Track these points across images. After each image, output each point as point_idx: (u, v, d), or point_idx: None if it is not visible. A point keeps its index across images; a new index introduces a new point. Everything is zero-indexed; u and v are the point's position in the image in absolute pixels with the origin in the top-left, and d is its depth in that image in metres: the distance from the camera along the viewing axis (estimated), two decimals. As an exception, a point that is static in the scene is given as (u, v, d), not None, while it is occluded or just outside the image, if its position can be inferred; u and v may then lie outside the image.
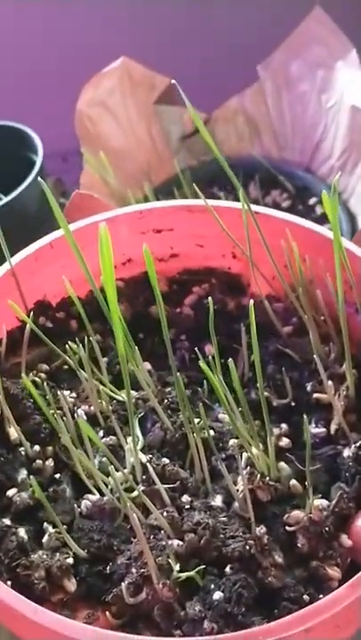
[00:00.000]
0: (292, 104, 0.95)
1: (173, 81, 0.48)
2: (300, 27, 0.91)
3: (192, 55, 1.07)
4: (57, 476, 0.50)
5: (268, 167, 0.93)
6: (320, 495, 0.47)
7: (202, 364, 0.45)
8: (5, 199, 0.80)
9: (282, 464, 0.50)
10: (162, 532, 0.44)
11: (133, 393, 0.54)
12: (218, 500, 0.48)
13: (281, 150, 0.96)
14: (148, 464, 0.48)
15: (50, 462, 0.50)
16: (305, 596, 0.42)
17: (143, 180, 0.92)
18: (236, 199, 0.61)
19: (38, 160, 0.86)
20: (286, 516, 0.46)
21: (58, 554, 0.44)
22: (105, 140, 0.91)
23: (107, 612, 0.43)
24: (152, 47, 1.02)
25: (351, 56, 0.87)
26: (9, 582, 0.43)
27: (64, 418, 0.49)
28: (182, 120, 0.97)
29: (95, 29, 1.09)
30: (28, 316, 0.55)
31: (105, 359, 0.56)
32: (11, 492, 0.48)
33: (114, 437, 0.51)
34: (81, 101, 0.89)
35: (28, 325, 0.54)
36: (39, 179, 0.45)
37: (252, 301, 0.45)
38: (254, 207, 0.57)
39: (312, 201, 0.90)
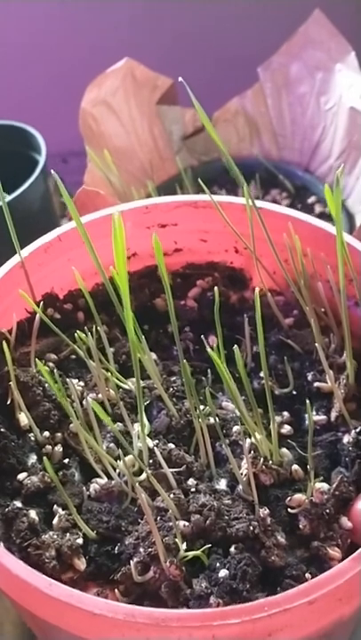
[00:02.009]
0: (292, 105, 0.97)
1: (181, 78, 0.49)
2: (300, 29, 0.93)
3: (193, 56, 1.08)
4: (66, 460, 0.51)
5: (268, 167, 0.95)
6: (321, 479, 0.49)
7: (209, 350, 0.47)
8: (9, 197, 0.82)
9: (284, 450, 0.51)
10: (168, 513, 0.46)
11: (140, 381, 0.55)
12: (222, 484, 0.49)
13: (281, 150, 0.98)
14: (155, 448, 0.49)
15: (59, 448, 0.52)
16: (307, 575, 0.44)
17: (145, 178, 0.94)
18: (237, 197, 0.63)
19: (42, 159, 0.88)
20: (288, 498, 0.48)
21: (68, 534, 0.46)
22: (108, 139, 0.93)
23: (115, 590, 0.44)
24: (153, 48, 1.04)
25: (350, 58, 0.89)
26: (20, 561, 0.44)
27: (73, 404, 0.51)
28: (183, 120, 0.99)
29: (98, 30, 1.11)
30: (38, 306, 0.57)
31: (111, 349, 0.57)
32: (21, 476, 0.49)
33: (121, 424, 0.53)
34: (85, 100, 0.91)
35: (37, 315, 0.55)
36: (52, 172, 0.47)
37: (257, 289, 0.47)
38: (257, 202, 0.59)
39: (311, 200, 0.92)
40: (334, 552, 0.45)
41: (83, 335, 0.53)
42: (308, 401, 0.48)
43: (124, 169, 0.92)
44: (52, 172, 0.47)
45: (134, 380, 0.50)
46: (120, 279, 0.41)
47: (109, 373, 0.55)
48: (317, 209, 0.90)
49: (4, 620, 0.64)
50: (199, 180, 0.57)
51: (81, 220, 0.60)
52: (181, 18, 1.10)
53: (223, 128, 0.99)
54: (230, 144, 0.99)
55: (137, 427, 0.51)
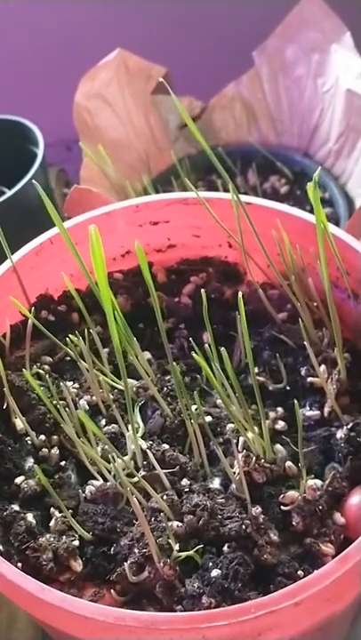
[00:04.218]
0: (289, 89, 0.95)
1: (163, 80, 0.49)
2: (294, 10, 0.91)
3: (189, 43, 1.07)
4: (62, 463, 0.52)
5: (265, 153, 0.94)
6: (313, 475, 0.49)
7: (195, 355, 0.47)
8: (9, 192, 0.82)
9: (278, 446, 0.52)
10: (162, 514, 0.47)
11: (134, 382, 0.56)
12: (216, 483, 0.50)
13: (279, 135, 0.97)
14: (148, 450, 0.50)
15: (55, 450, 0.52)
16: (299, 572, 0.44)
17: (142, 169, 0.93)
18: (235, 186, 0.63)
19: (40, 153, 0.88)
20: (282, 496, 0.48)
21: (64, 536, 0.47)
22: (103, 132, 0.92)
23: (112, 590, 0.45)
24: (150, 36, 1.03)
25: (345, 39, 0.88)
26: (19, 564, 0.45)
27: (67, 408, 0.52)
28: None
29: (93, 18, 1.10)
30: (31, 310, 0.57)
31: (105, 350, 0.58)
32: (19, 480, 0.50)
33: (116, 425, 0.53)
34: (79, 94, 0.90)
35: (30, 320, 0.56)
36: (34, 182, 0.47)
37: (240, 294, 0.47)
38: (246, 198, 0.58)
39: (310, 185, 0.91)
40: (327, 548, 0.46)
41: (75, 338, 0.53)
42: (295, 400, 0.48)
43: (121, 161, 0.91)
44: (34, 182, 0.47)
45: (129, 381, 0.51)
46: (102, 294, 0.41)
47: (103, 375, 0.55)
48: (316, 195, 0.89)
49: (17, 607, 0.66)
50: (186, 180, 0.57)
51: (72, 221, 0.61)
52: (177, 6, 1.08)
53: (220, 115, 0.98)
54: (228, 130, 0.99)
55: (131, 427, 0.52)
